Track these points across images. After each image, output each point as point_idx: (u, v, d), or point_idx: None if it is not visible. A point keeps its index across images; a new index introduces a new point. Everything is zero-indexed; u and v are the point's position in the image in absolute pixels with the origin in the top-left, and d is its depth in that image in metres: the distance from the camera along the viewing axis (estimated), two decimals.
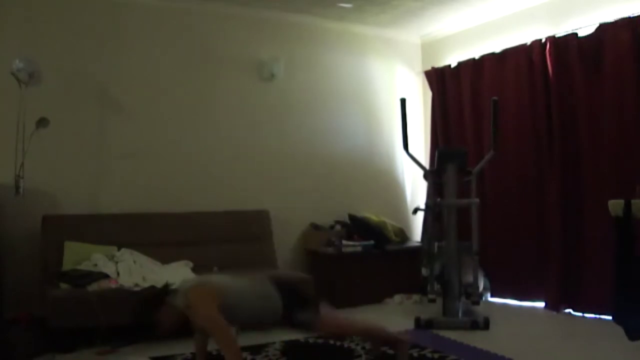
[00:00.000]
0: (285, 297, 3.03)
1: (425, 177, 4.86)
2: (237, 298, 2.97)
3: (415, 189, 6.19)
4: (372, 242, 5.34)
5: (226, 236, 4.83)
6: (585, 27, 4.61)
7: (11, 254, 4.13)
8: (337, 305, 5.00)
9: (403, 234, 5.72)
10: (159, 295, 3.07)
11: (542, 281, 4.92)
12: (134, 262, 4.16)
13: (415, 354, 3.48)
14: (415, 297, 5.27)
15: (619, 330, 3.14)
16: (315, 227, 5.46)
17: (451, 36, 5.95)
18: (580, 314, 4.62)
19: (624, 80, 4.33)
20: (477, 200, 4.46)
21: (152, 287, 3.70)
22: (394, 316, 4.72)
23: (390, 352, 3.52)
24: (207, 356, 3.21)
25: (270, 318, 3.03)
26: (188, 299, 2.87)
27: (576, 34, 4.65)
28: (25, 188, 4.05)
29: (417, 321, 4.26)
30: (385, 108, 6.05)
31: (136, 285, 3.88)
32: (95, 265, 4.04)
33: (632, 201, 2.79)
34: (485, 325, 4.17)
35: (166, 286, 3.09)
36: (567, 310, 4.72)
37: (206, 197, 5.03)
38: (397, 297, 5.28)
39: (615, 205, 2.84)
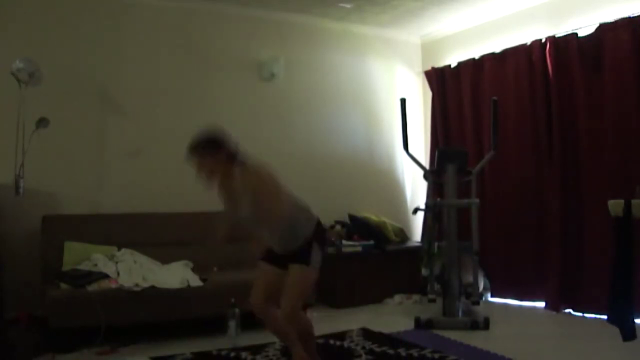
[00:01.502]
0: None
1: (425, 177, 4.86)
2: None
3: (415, 189, 6.18)
4: (372, 242, 5.34)
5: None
6: (585, 27, 4.61)
7: (11, 254, 4.13)
8: (337, 305, 5.03)
9: (403, 234, 5.72)
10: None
11: (542, 281, 4.92)
12: (134, 262, 4.16)
13: (416, 354, 3.49)
14: (415, 297, 5.27)
15: (619, 331, 3.14)
16: None
17: (451, 36, 5.95)
18: (580, 314, 4.62)
19: (624, 80, 4.33)
20: (477, 200, 4.46)
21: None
22: (394, 316, 4.72)
23: (390, 351, 3.53)
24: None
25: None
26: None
27: (576, 34, 4.65)
28: (25, 188, 4.04)
29: (417, 321, 4.26)
30: (385, 108, 6.05)
31: (136, 285, 3.88)
32: (95, 265, 4.04)
33: (632, 201, 2.78)
34: (485, 325, 4.17)
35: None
36: (567, 310, 4.72)
37: (206, 197, 5.01)
38: (397, 297, 5.28)
39: (615, 205, 2.83)
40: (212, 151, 2.85)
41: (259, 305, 2.96)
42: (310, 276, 2.94)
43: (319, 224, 3.02)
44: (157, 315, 3.86)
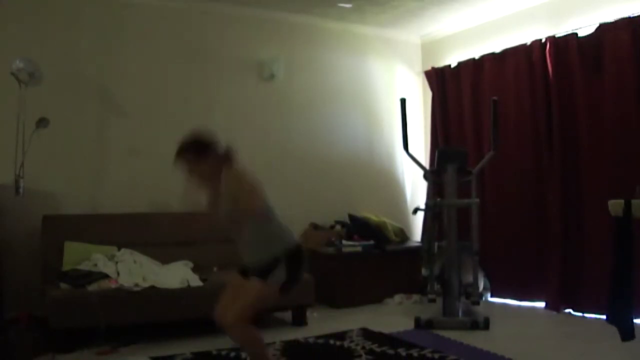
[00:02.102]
0: (291, 268, 2.88)
1: (425, 177, 4.86)
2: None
3: (415, 189, 6.18)
4: (372, 242, 5.34)
5: (226, 236, 4.81)
6: (585, 27, 4.61)
7: (11, 254, 4.13)
8: (337, 305, 5.03)
9: (403, 234, 5.72)
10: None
11: (542, 281, 4.92)
12: (134, 262, 4.16)
13: (415, 354, 3.48)
14: (415, 297, 5.27)
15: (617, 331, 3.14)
16: (315, 227, 5.46)
17: (451, 36, 5.95)
18: (580, 314, 4.62)
19: (624, 80, 4.34)
20: (477, 200, 4.46)
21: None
22: (394, 316, 4.72)
23: (390, 351, 3.53)
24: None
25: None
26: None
27: (576, 34, 4.65)
28: (25, 188, 4.04)
29: (417, 321, 4.26)
30: (385, 108, 6.05)
31: (136, 285, 3.88)
32: (95, 265, 4.04)
33: (632, 201, 2.78)
34: (485, 325, 4.17)
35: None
36: (567, 310, 4.72)
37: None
38: (397, 297, 5.27)
39: (615, 205, 2.83)
40: (200, 155, 2.86)
41: (217, 315, 2.85)
42: (264, 291, 2.81)
43: (298, 249, 2.94)
44: (157, 315, 3.86)
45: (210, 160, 2.86)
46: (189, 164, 2.87)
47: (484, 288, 5.19)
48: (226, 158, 2.89)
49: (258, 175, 5.62)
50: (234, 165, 2.88)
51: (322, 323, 4.42)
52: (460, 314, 4.38)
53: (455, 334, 4.01)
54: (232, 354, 3.54)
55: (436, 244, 4.67)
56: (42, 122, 4.12)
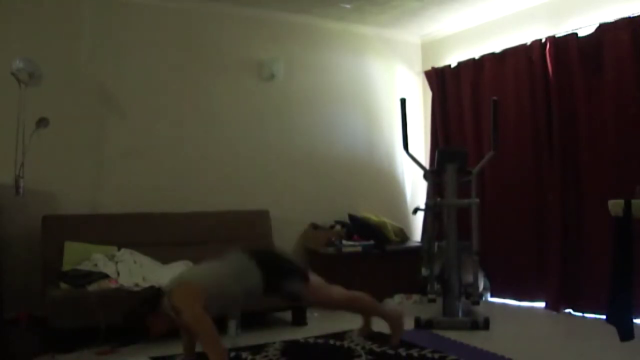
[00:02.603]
0: (265, 268, 3.08)
1: (425, 177, 4.86)
2: (218, 287, 2.99)
3: (415, 189, 6.18)
4: (372, 242, 5.34)
5: (226, 236, 4.82)
6: (585, 27, 4.61)
7: (11, 254, 4.13)
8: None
9: (403, 234, 5.72)
10: (152, 299, 3.07)
11: (542, 281, 4.92)
12: (134, 262, 4.16)
13: (415, 354, 3.48)
14: (415, 297, 5.27)
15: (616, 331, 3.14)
16: (315, 227, 5.46)
17: (451, 36, 5.95)
18: (580, 314, 4.63)
19: (624, 80, 4.34)
20: (477, 200, 4.46)
21: (148, 289, 3.66)
22: None
23: (391, 351, 3.53)
24: (196, 356, 3.21)
25: (255, 293, 3.07)
26: (172, 301, 2.88)
27: (576, 34, 4.65)
28: (25, 188, 4.04)
29: (417, 321, 4.26)
30: (385, 108, 6.05)
31: (136, 285, 3.88)
32: (95, 265, 4.04)
33: (632, 201, 2.78)
34: (485, 325, 4.17)
35: (158, 290, 3.11)
36: (567, 310, 4.72)
37: (206, 197, 5.03)
38: (397, 297, 5.27)
39: (615, 205, 2.83)
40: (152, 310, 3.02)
41: None
42: None
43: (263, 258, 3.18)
44: None
45: (157, 317, 3.01)
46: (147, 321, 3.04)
47: (484, 288, 5.19)
48: (158, 302, 3.02)
49: (258, 175, 5.67)
50: (170, 296, 2.97)
51: (322, 323, 4.41)
52: (460, 314, 4.38)
53: (455, 334, 4.01)
54: (232, 354, 3.54)
55: (436, 244, 4.67)
56: (42, 122, 4.12)
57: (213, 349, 2.82)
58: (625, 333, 2.77)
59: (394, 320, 3.44)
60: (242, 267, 3.11)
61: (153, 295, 3.09)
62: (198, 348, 3.20)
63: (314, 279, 3.30)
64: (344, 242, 5.26)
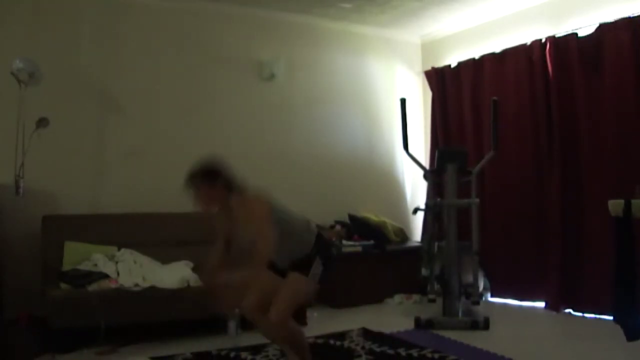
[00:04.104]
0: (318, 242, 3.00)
1: (425, 177, 4.86)
2: (283, 215, 2.91)
3: (415, 189, 6.18)
4: (372, 242, 5.34)
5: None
6: (585, 27, 4.61)
7: (11, 254, 4.13)
8: (337, 305, 5.03)
9: (403, 234, 5.72)
10: (215, 169, 2.89)
11: (542, 281, 4.92)
12: (134, 262, 4.16)
13: (415, 354, 3.48)
14: (415, 297, 5.27)
15: (619, 330, 3.14)
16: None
17: (451, 36, 5.95)
18: (580, 314, 4.63)
19: (624, 80, 4.34)
20: (477, 200, 4.46)
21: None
22: (394, 316, 4.72)
23: (390, 351, 3.53)
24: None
25: (302, 250, 2.96)
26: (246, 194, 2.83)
27: (576, 34, 4.65)
28: (25, 188, 4.04)
29: (417, 321, 4.26)
30: (385, 108, 6.05)
31: (136, 285, 3.88)
32: (95, 265, 4.04)
33: (632, 201, 2.78)
34: (485, 325, 4.17)
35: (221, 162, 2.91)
36: (567, 310, 4.72)
37: None
38: (397, 297, 5.28)
39: (615, 205, 2.83)
40: (210, 182, 2.84)
41: (251, 310, 2.94)
42: (304, 286, 2.93)
43: (319, 238, 3.03)
44: (157, 315, 3.86)
45: (219, 187, 2.85)
46: (197, 189, 2.85)
47: (484, 288, 5.19)
48: (234, 187, 2.89)
49: (258, 175, 5.63)
50: (244, 192, 2.89)
51: (322, 323, 4.41)
52: (460, 314, 4.38)
53: (455, 334, 4.01)
54: (232, 354, 3.54)
55: (436, 244, 4.67)
56: (42, 122, 4.12)
57: (266, 245, 2.71)
58: (632, 333, 2.78)
59: None
60: (307, 225, 3.07)
61: (216, 166, 2.90)
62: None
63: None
64: (344, 242, 5.26)
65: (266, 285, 2.93)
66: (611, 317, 2.91)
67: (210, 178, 2.85)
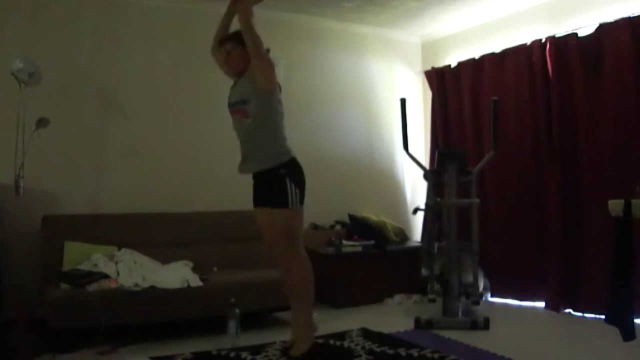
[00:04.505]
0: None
1: (425, 177, 4.86)
2: None
3: (415, 189, 6.19)
4: (372, 242, 5.34)
5: (226, 236, 4.83)
6: (585, 27, 4.61)
7: (11, 254, 4.13)
8: (337, 305, 5.03)
9: (403, 234, 5.72)
10: None
11: (542, 281, 4.92)
12: (134, 262, 4.16)
13: (415, 354, 3.48)
14: (415, 297, 5.27)
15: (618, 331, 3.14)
16: (315, 227, 5.46)
17: (451, 36, 5.95)
18: (580, 314, 4.63)
19: (624, 80, 4.34)
20: (477, 200, 4.46)
21: None
22: (394, 316, 4.72)
23: (390, 351, 3.53)
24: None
25: None
26: None
27: (576, 34, 4.65)
28: (25, 188, 4.05)
29: (417, 321, 4.26)
30: (385, 108, 6.05)
31: (136, 285, 3.88)
32: (95, 265, 4.04)
33: (632, 201, 2.78)
34: (485, 325, 4.17)
35: None
36: (567, 310, 4.72)
37: (206, 197, 5.03)
38: (397, 297, 5.27)
39: (615, 205, 2.83)
40: (243, 45, 3.37)
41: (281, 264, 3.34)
42: (293, 218, 3.18)
43: (293, 160, 3.34)
44: (157, 315, 3.86)
45: (246, 52, 3.37)
46: (233, 47, 3.44)
47: (484, 288, 5.19)
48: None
49: None
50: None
51: (322, 323, 4.40)
52: (460, 314, 4.38)
53: (455, 334, 4.01)
54: (232, 354, 3.54)
55: (436, 244, 4.67)
56: (42, 122, 4.12)
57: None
58: (627, 333, 2.77)
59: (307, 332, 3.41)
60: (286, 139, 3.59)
61: None
62: None
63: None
64: (344, 242, 5.26)
65: (264, 224, 3.24)
66: (603, 317, 2.91)
67: (243, 42, 3.36)
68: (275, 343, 3.75)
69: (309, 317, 3.33)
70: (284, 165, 3.24)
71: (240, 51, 3.40)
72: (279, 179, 3.20)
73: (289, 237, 3.26)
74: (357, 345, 3.73)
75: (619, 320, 2.78)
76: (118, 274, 4.00)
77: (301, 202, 3.28)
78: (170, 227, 4.67)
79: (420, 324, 4.24)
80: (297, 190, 3.23)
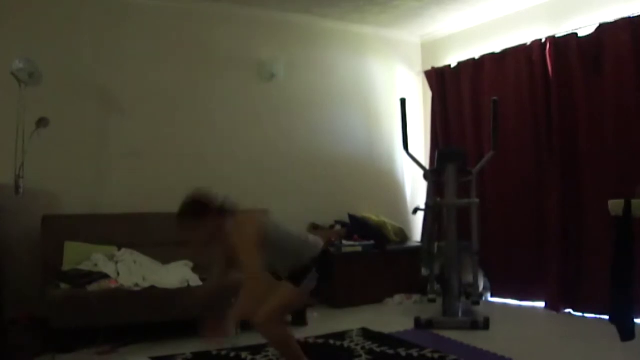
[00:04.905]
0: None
1: (425, 177, 4.86)
2: (278, 233, 2.88)
3: (415, 189, 6.18)
4: (372, 242, 5.34)
5: None
6: (585, 27, 4.61)
7: (11, 254, 4.13)
8: (337, 305, 5.03)
9: (403, 234, 5.72)
10: (205, 203, 2.84)
11: (542, 281, 4.92)
12: (134, 262, 4.16)
13: (415, 354, 3.48)
14: (415, 297, 5.27)
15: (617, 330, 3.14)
16: (315, 227, 5.46)
17: (451, 36, 5.95)
18: (580, 314, 4.63)
19: (624, 80, 4.34)
20: (477, 200, 4.46)
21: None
22: (394, 316, 4.72)
23: (390, 351, 3.53)
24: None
25: (302, 262, 2.91)
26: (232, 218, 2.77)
27: (576, 34, 4.65)
28: (25, 188, 4.05)
29: (417, 321, 4.26)
30: (385, 108, 6.05)
31: (136, 285, 3.88)
32: (95, 265, 4.04)
33: (632, 201, 2.78)
34: (485, 325, 4.17)
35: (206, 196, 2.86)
36: (567, 310, 4.72)
37: None
38: (397, 297, 5.28)
39: (615, 205, 2.83)
40: (199, 220, 2.78)
41: (235, 319, 2.89)
42: (294, 296, 2.91)
43: (324, 255, 2.99)
44: (157, 315, 3.86)
45: (209, 221, 2.78)
46: (189, 230, 2.83)
47: (484, 288, 5.19)
48: (225, 212, 2.84)
49: (258, 175, 5.65)
50: (235, 216, 2.84)
51: (322, 323, 4.42)
52: (460, 314, 4.38)
53: (455, 334, 4.01)
54: (232, 354, 3.54)
55: (436, 244, 4.67)
56: (42, 122, 4.12)
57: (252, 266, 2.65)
58: (626, 333, 2.77)
59: None
60: (308, 240, 3.00)
61: (202, 199, 2.85)
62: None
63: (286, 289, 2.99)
64: (344, 242, 5.26)
65: (260, 295, 2.83)
66: (608, 317, 2.91)
67: (199, 216, 2.78)
68: None
69: None
70: None
71: (201, 225, 2.80)
72: None
73: None
74: (357, 345, 3.73)
75: (620, 320, 2.78)
76: (118, 274, 4.00)
77: None
78: (170, 227, 4.63)
79: (420, 324, 4.24)
80: None
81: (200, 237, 2.82)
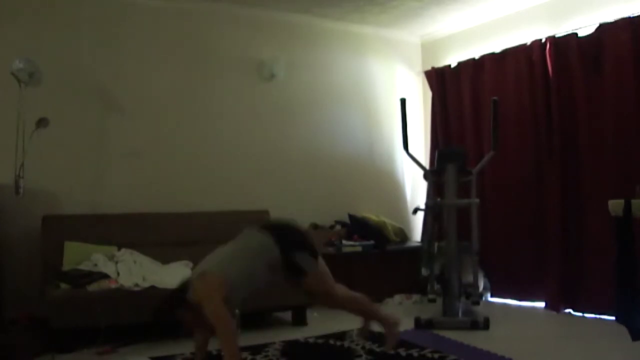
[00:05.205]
0: (281, 241, 3.05)
1: (425, 177, 4.86)
2: (241, 271, 2.96)
3: (415, 189, 6.19)
4: (372, 242, 5.34)
5: (226, 236, 4.81)
6: (585, 27, 4.61)
7: (11, 254, 4.13)
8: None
9: (403, 234, 5.72)
10: (179, 293, 2.99)
11: (542, 281, 4.92)
12: (134, 262, 4.16)
13: (415, 354, 3.48)
14: (415, 297, 5.27)
15: (619, 330, 3.13)
16: (315, 227, 5.46)
17: (451, 36, 5.95)
18: (580, 314, 4.63)
19: (624, 80, 4.34)
20: (477, 200, 4.46)
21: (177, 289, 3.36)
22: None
23: (390, 351, 3.53)
24: (207, 355, 3.20)
25: (277, 267, 3.03)
26: (194, 294, 2.85)
27: (576, 34, 4.65)
28: (25, 188, 4.05)
29: (417, 321, 4.26)
30: (385, 108, 6.05)
31: (136, 285, 3.88)
32: (95, 265, 4.04)
33: (632, 201, 2.78)
34: (485, 325, 4.17)
35: (184, 284, 3.03)
36: (567, 310, 4.72)
37: (206, 197, 5.03)
38: (397, 297, 5.27)
39: (615, 205, 2.83)
40: (181, 308, 2.94)
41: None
42: (325, 269, 3.37)
43: (279, 239, 3.08)
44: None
45: (188, 306, 2.92)
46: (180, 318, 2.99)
47: (484, 288, 5.19)
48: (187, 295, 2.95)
49: (258, 175, 5.66)
50: (194, 290, 2.92)
51: (322, 323, 4.41)
52: (460, 314, 4.38)
53: (455, 334, 4.01)
54: None
55: (436, 244, 4.67)
56: (42, 122, 4.12)
57: (228, 347, 2.79)
58: (637, 333, 2.77)
59: (391, 327, 3.44)
60: (260, 243, 3.05)
61: (180, 289, 3.00)
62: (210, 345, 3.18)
63: (322, 264, 3.26)
64: (344, 242, 5.26)
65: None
66: (613, 317, 2.91)
67: (177, 306, 2.94)
68: (275, 343, 3.75)
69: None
70: None
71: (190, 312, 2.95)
72: None
73: None
74: (357, 345, 3.73)
75: (628, 320, 2.78)
76: (118, 274, 4.00)
77: None
78: (170, 227, 4.67)
79: (420, 324, 4.24)
80: None
81: (192, 320, 2.96)
